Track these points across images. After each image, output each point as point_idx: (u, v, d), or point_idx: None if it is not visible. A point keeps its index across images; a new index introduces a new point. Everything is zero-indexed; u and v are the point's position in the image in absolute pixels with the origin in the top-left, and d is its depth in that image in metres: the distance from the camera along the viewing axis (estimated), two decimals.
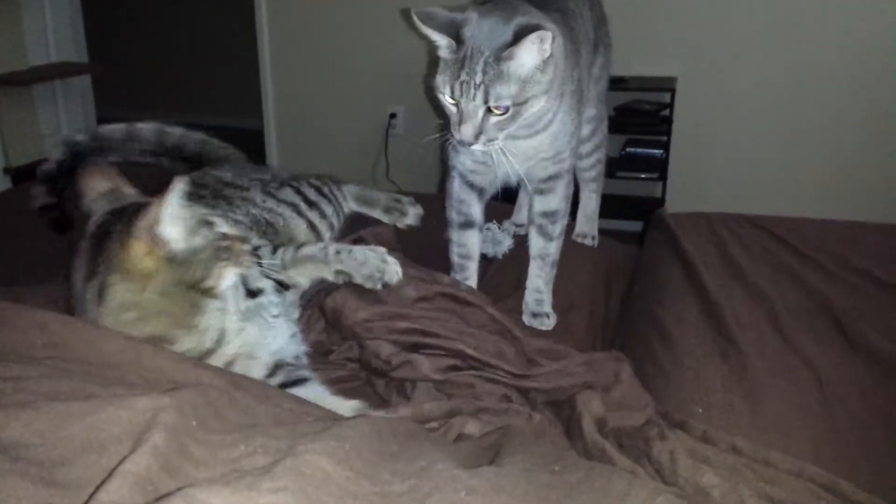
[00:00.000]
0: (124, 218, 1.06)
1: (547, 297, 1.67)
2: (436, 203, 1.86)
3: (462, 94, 1.31)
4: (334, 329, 1.37)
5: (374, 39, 3.91)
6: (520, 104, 1.32)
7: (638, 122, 3.44)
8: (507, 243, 1.93)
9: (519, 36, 1.26)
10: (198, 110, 6.16)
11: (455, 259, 1.70)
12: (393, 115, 3.97)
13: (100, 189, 1.19)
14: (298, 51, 4.06)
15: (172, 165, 1.86)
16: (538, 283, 1.67)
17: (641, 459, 1.06)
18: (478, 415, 1.16)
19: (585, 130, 1.91)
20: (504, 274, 1.85)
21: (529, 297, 1.67)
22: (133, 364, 1.00)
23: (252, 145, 4.38)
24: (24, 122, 3.89)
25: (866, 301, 1.59)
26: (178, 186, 1.03)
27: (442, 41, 1.35)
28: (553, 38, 1.29)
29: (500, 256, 1.91)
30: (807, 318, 1.52)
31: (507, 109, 1.31)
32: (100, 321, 1.06)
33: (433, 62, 1.40)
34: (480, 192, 1.65)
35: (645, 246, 2.06)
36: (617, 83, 3.01)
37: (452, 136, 1.37)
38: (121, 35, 5.98)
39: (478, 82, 1.29)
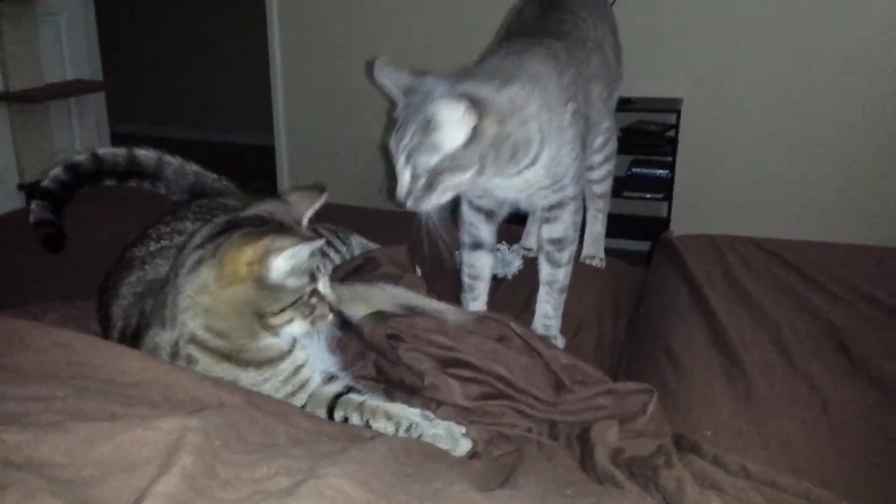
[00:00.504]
0: (263, 226, 1.12)
1: (555, 322, 1.69)
2: (447, 227, 1.89)
3: (394, 154, 1.31)
4: (359, 342, 1.40)
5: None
6: (439, 173, 1.29)
7: (644, 142, 3.47)
8: (516, 264, 1.96)
9: (438, 110, 1.25)
10: (210, 126, 6.24)
11: (465, 279, 1.72)
12: None
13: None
14: (309, 69, 4.11)
15: (168, 193, 1.90)
16: (547, 309, 1.69)
17: (650, 487, 1.08)
18: (494, 441, 1.18)
19: (598, 140, 1.94)
20: (514, 294, 1.88)
21: (538, 322, 1.69)
22: (154, 383, 1.03)
23: (264, 161, 4.46)
24: (39, 139, 3.93)
25: (871, 324, 1.60)
26: (319, 242, 1.09)
27: (396, 97, 1.35)
28: (482, 117, 1.26)
29: (509, 277, 1.94)
30: (812, 341, 1.54)
31: (427, 177, 1.29)
32: (180, 288, 1.12)
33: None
34: (488, 214, 1.67)
35: (652, 268, 2.09)
36: (623, 104, 3.04)
37: None
38: (135, 52, 6.06)
39: (403, 146, 1.28)
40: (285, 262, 1.09)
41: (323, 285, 1.16)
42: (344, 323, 1.37)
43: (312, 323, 1.16)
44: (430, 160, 1.28)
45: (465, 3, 3.76)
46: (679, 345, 1.56)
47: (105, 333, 1.33)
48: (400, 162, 1.30)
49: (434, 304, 1.40)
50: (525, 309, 1.78)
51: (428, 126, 1.26)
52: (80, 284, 1.64)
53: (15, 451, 0.79)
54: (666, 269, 1.98)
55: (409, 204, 1.32)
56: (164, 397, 1.02)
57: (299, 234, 1.12)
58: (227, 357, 1.14)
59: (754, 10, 3.38)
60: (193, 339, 1.13)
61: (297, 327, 1.16)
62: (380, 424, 1.17)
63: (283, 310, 1.12)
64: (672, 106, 3.45)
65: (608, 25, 1.89)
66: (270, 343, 1.16)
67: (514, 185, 1.50)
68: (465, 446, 1.15)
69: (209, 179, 1.92)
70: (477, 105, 1.26)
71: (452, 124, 1.26)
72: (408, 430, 1.16)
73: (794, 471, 1.10)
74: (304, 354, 1.23)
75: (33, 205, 1.79)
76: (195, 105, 6.26)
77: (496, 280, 1.92)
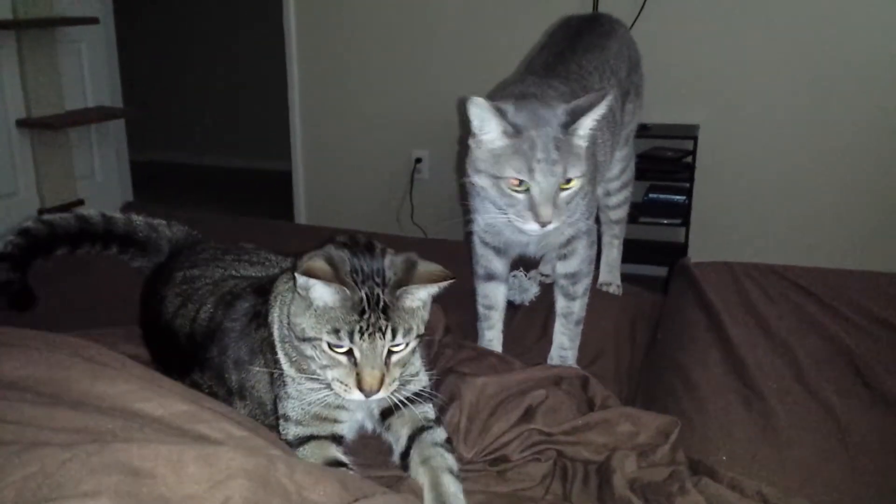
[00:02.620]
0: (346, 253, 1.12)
1: (572, 353, 1.69)
2: (461, 250, 1.90)
3: (543, 178, 1.33)
4: None
5: (401, 85, 4.00)
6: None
7: (661, 168, 3.47)
8: (533, 290, 1.97)
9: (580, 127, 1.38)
10: (227, 153, 6.31)
11: (480, 309, 1.73)
12: (418, 160, 4.04)
13: None
14: (326, 96, 4.15)
15: (121, 252, 1.88)
16: (563, 340, 1.69)
17: None
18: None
19: (615, 170, 1.95)
20: (531, 319, 1.88)
21: (555, 353, 1.69)
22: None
23: (281, 187, 4.50)
24: (60, 165, 3.98)
25: (887, 349, 1.60)
26: (347, 292, 1.07)
27: (496, 132, 1.37)
28: None
29: (526, 303, 1.95)
30: (828, 366, 1.54)
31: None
32: (277, 282, 1.26)
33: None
34: (497, 250, 1.68)
35: (669, 295, 2.08)
36: (640, 130, 3.03)
37: (514, 220, 1.39)
38: (154, 79, 6.14)
39: (554, 165, 1.33)
40: (317, 292, 1.08)
41: (360, 355, 1.08)
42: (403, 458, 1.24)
43: (331, 379, 1.11)
44: (580, 168, 1.36)
45: (486, 28, 3.79)
46: (696, 372, 1.56)
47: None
48: (552, 182, 1.33)
49: None
50: (542, 335, 1.78)
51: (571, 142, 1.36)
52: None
53: None
54: (683, 296, 1.97)
55: (554, 223, 1.36)
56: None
57: (341, 277, 1.07)
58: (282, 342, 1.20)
59: (771, 37, 3.39)
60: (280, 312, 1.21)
61: (316, 368, 1.13)
62: None
63: (304, 339, 1.11)
64: (689, 132, 3.46)
65: (625, 67, 1.90)
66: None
67: None
68: None
69: (166, 230, 1.88)
70: None
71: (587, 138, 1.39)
72: None
73: (811, 496, 1.10)
74: (345, 414, 1.22)
75: None
76: (215, 132, 6.34)
77: (513, 306, 1.92)
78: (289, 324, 1.16)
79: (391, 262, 1.13)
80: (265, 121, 5.59)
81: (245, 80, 6.03)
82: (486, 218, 1.50)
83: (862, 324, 1.73)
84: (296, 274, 1.08)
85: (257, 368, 1.25)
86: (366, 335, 1.07)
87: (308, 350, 1.12)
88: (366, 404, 1.23)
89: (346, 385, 1.10)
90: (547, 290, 1.94)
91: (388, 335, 1.08)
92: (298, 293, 1.12)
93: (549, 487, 1.23)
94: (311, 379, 1.16)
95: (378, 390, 1.09)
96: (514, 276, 1.98)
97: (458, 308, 1.74)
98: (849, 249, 3.40)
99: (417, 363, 1.26)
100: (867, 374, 1.51)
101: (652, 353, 1.86)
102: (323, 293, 1.08)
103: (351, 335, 1.07)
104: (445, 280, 1.13)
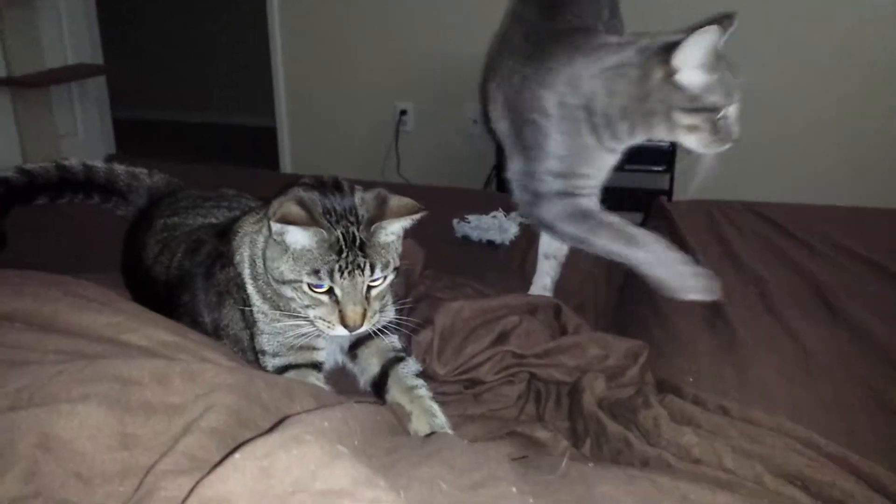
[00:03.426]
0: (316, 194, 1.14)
1: (551, 294, 1.74)
2: (447, 196, 1.93)
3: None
4: None
5: (384, 37, 3.98)
6: None
7: None
8: (513, 230, 2.01)
9: None
10: (211, 109, 6.27)
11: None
12: (403, 112, 4.04)
13: None
14: (310, 49, 4.13)
15: (103, 201, 1.91)
16: (546, 281, 1.74)
17: (630, 426, 1.13)
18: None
19: None
20: (511, 259, 1.93)
21: (536, 292, 1.74)
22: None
23: (265, 142, 4.50)
24: (42, 124, 3.97)
25: (850, 277, 1.67)
26: (323, 233, 1.10)
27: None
28: None
29: (507, 243, 1.99)
30: (796, 296, 1.59)
31: None
32: (240, 222, 1.30)
33: None
34: None
35: None
36: None
37: None
38: (134, 36, 6.08)
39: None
40: (293, 236, 1.10)
41: (341, 293, 1.12)
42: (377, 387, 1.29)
43: (313, 317, 1.15)
44: None
45: None
46: (666, 303, 1.60)
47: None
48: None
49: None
50: (519, 270, 1.83)
51: None
52: None
53: None
54: (659, 233, 2.01)
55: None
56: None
57: (316, 220, 1.09)
58: (255, 279, 1.23)
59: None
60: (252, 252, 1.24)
61: (298, 308, 1.16)
62: None
63: (283, 281, 1.14)
64: None
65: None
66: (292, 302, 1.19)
67: None
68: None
69: (147, 179, 1.90)
70: None
71: None
72: None
73: (772, 410, 1.14)
74: (323, 342, 1.26)
75: None
76: (198, 89, 6.30)
77: (493, 246, 1.97)
78: (266, 268, 1.18)
79: (362, 200, 1.15)
80: (248, 76, 5.56)
81: (227, 34, 5.98)
82: None
83: (830, 255, 1.78)
84: (270, 222, 1.10)
85: (226, 309, 1.29)
86: (345, 273, 1.10)
87: (288, 292, 1.15)
88: (347, 338, 1.28)
89: (330, 322, 1.13)
90: (526, 229, 2.00)
91: (367, 271, 1.11)
92: (274, 239, 1.14)
93: (523, 408, 1.28)
94: (291, 316, 1.19)
95: (361, 325, 1.13)
96: (493, 216, 2.02)
97: (433, 245, 1.79)
98: (836, 189, 3.44)
99: (388, 296, 1.30)
100: (833, 303, 1.55)
101: (626, 290, 1.91)
102: (299, 237, 1.10)
103: (331, 275, 1.10)
104: (418, 212, 1.16)
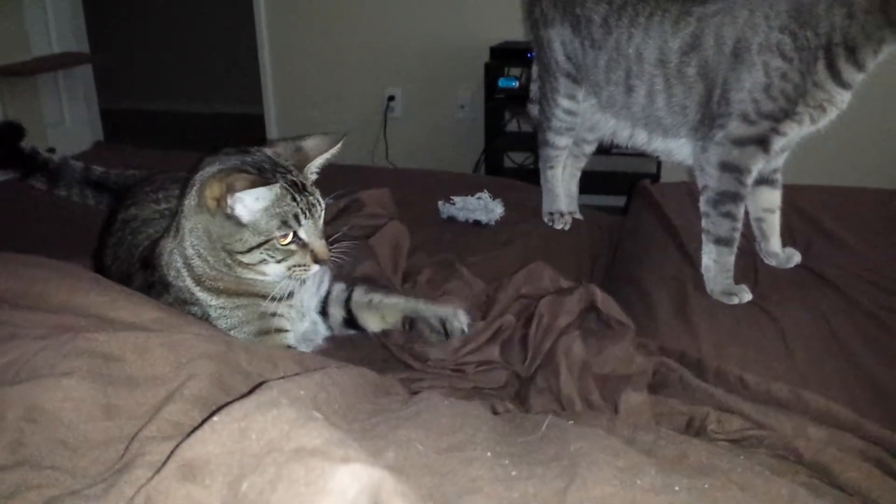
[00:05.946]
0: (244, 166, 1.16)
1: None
2: (432, 179, 1.94)
3: None
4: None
5: (372, 23, 3.99)
6: None
7: None
8: (498, 210, 2.02)
9: None
10: (199, 98, 6.25)
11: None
12: (391, 98, 4.05)
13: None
14: (297, 36, 4.13)
15: (95, 198, 1.94)
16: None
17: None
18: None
19: None
20: (496, 237, 1.95)
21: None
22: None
23: (254, 130, 4.49)
24: (28, 112, 3.95)
25: (832, 251, 1.74)
26: (275, 187, 1.13)
27: None
28: None
29: (493, 223, 2.00)
30: (778, 273, 1.62)
31: None
32: (158, 248, 1.26)
33: None
34: None
35: (629, 214, 2.15)
36: None
37: None
38: (121, 25, 6.05)
39: None
40: (250, 201, 1.12)
41: (307, 234, 1.18)
42: (350, 322, 1.42)
43: (289, 269, 1.19)
44: None
45: None
46: (650, 283, 1.63)
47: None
48: None
49: (438, 311, 1.39)
50: (505, 247, 1.85)
51: None
52: None
53: None
54: (641, 215, 2.04)
55: None
56: None
57: (266, 178, 1.13)
58: (200, 282, 1.22)
59: None
60: (185, 259, 1.22)
61: (273, 269, 1.19)
62: None
63: (250, 249, 1.16)
64: None
65: None
66: (251, 278, 1.21)
67: None
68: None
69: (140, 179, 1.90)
70: None
71: None
72: None
73: (719, 371, 1.22)
74: (287, 310, 1.28)
75: None
76: (185, 77, 6.27)
77: (480, 226, 1.98)
78: (219, 251, 1.18)
79: (276, 153, 1.22)
80: (235, 64, 5.55)
81: (213, 22, 5.95)
82: None
83: (806, 228, 1.84)
84: (219, 202, 1.13)
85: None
86: (307, 214, 1.17)
87: (257, 256, 1.17)
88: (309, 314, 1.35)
89: (305, 265, 1.20)
90: (511, 211, 2.01)
91: (318, 207, 1.20)
92: (222, 217, 1.15)
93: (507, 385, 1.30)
94: (252, 295, 1.23)
95: (328, 255, 1.22)
96: (479, 197, 2.04)
97: (419, 226, 1.81)
98: (826, 170, 3.46)
99: None
100: (815, 279, 1.60)
101: (611, 270, 1.94)
102: (254, 200, 1.13)
103: (297, 219, 1.16)
104: (337, 144, 1.25)
